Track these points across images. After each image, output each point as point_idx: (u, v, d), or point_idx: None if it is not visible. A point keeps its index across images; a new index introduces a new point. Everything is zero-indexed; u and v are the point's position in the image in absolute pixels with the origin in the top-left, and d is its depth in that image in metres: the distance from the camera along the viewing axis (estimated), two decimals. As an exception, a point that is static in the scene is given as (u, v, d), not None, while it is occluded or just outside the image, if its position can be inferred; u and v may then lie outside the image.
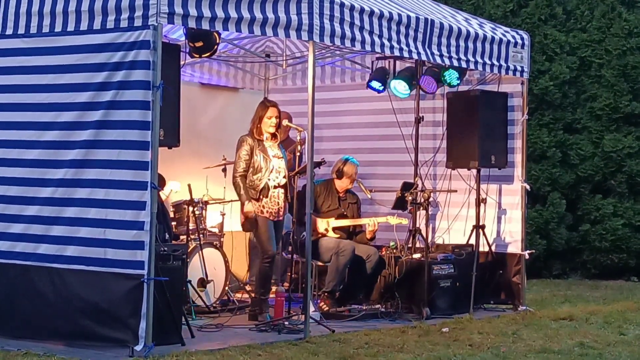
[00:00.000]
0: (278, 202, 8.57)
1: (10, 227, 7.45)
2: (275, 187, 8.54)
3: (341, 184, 9.60)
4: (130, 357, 6.74)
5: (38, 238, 7.29)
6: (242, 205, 8.48)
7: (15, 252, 7.40)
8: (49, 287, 7.23)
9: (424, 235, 9.57)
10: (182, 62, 7.70)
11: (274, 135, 8.65)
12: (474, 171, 9.88)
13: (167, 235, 8.54)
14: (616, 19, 13.48)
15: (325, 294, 9.19)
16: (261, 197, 8.48)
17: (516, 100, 10.01)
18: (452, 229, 10.15)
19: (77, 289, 7.11)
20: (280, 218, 8.64)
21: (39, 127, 7.36)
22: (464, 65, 9.28)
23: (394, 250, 9.45)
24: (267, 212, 8.52)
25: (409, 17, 8.65)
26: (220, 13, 7.16)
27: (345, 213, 9.56)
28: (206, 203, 9.42)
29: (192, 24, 7.09)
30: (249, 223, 8.54)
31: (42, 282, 7.26)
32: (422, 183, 9.86)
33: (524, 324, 8.99)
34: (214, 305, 9.06)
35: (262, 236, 8.49)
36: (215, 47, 8.39)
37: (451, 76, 9.69)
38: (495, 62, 9.55)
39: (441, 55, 8.99)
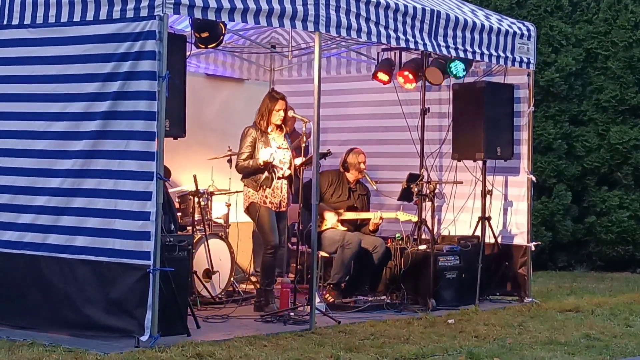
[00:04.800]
0: (281, 194, 8.57)
1: (19, 217, 7.46)
2: (279, 178, 8.54)
3: (350, 176, 9.59)
4: (135, 348, 6.75)
5: (47, 228, 7.30)
6: (257, 168, 8.41)
7: (24, 242, 7.41)
8: (58, 278, 7.24)
9: (430, 226, 9.56)
10: (187, 53, 7.69)
11: (279, 127, 8.65)
12: (480, 163, 9.86)
13: (172, 226, 8.55)
14: (622, 10, 13.44)
15: (331, 285, 9.18)
16: (264, 187, 8.48)
17: (522, 92, 9.99)
18: (458, 220, 10.14)
19: (85, 280, 7.12)
20: (283, 209, 8.64)
21: (47, 118, 7.36)
22: (470, 56, 9.26)
23: (400, 242, 9.44)
24: (269, 202, 8.52)
25: (415, 8, 8.63)
26: (226, 3, 7.15)
27: (355, 205, 9.55)
28: (211, 194, 9.42)
29: (198, 14, 7.08)
30: (252, 211, 8.53)
31: (51, 273, 7.26)
32: (428, 174, 9.84)
33: (530, 315, 8.98)
34: (220, 296, 9.06)
35: (265, 226, 8.49)
36: (221, 37, 8.37)
37: (457, 68, 9.68)
38: (501, 54, 9.52)
39: (447, 47, 8.97)
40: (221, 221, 9.73)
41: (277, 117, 8.57)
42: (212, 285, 8.99)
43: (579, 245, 13.63)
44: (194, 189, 9.08)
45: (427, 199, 9.47)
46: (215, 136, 10.24)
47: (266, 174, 8.47)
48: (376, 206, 9.93)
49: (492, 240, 9.86)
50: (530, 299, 9.87)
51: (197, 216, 9.14)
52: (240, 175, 8.71)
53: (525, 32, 9.80)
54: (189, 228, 9.13)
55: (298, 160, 8.66)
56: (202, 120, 10.22)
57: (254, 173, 8.49)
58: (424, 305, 9.10)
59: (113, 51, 7.03)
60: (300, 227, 8.73)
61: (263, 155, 8.41)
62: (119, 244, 6.98)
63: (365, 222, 9.53)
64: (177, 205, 9.25)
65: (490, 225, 9.82)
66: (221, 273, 9.10)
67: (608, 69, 13.39)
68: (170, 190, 8.99)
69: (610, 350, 7.36)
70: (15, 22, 7.53)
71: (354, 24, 8.07)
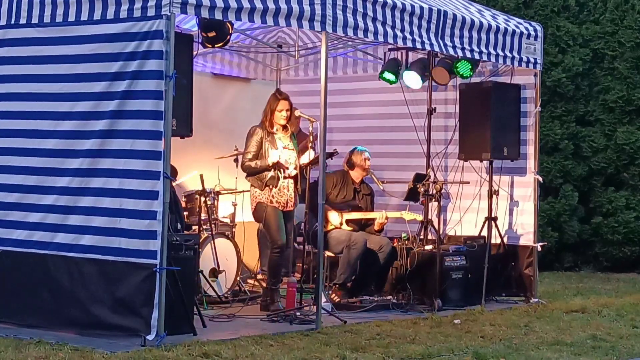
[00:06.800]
0: (287, 193, 8.58)
1: (27, 216, 7.48)
2: (284, 177, 8.55)
3: (355, 174, 9.59)
4: (142, 347, 6.75)
5: (55, 227, 7.31)
6: (265, 168, 8.42)
7: (33, 241, 7.43)
8: (65, 277, 7.25)
9: (436, 226, 9.56)
10: (194, 52, 7.70)
11: (284, 127, 8.65)
12: (486, 163, 9.85)
13: (179, 225, 8.57)
14: (629, 11, 13.42)
15: (337, 285, 9.18)
16: (270, 187, 8.49)
17: (529, 92, 9.98)
18: (464, 220, 10.13)
19: (92, 279, 7.14)
20: (290, 208, 8.65)
21: (55, 117, 7.38)
22: (476, 56, 9.25)
23: (406, 242, 9.44)
24: (276, 202, 8.53)
25: (421, 8, 8.63)
26: (233, 3, 7.16)
27: (359, 205, 9.54)
28: (218, 193, 9.43)
29: (204, 13, 7.09)
30: (259, 213, 8.54)
31: (58, 272, 7.28)
32: (434, 175, 9.83)
33: (536, 316, 8.98)
34: (226, 295, 9.07)
35: (271, 226, 8.50)
36: (228, 37, 8.38)
37: (464, 68, 9.66)
38: (508, 54, 9.52)
39: (454, 47, 8.96)
40: (227, 220, 9.74)
41: (279, 118, 8.57)
42: (218, 285, 8.99)
43: (585, 246, 13.61)
44: (196, 187, 9.10)
45: (434, 199, 9.47)
46: (222, 136, 10.26)
47: (271, 173, 8.48)
48: (382, 206, 9.93)
49: (498, 241, 9.86)
50: (536, 300, 9.86)
51: (203, 215, 9.15)
52: (246, 175, 8.72)
53: (532, 32, 9.79)
54: (196, 227, 9.15)
55: (305, 159, 8.66)
56: (209, 119, 10.23)
57: (260, 173, 8.50)
58: (430, 305, 9.10)
59: (120, 50, 7.05)
60: (306, 228, 8.74)
61: (272, 157, 8.41)
62: (126, 243, 6.99)
63: (371, 222, 9.53)
64: (183, 205, 9.27)
65: (496, 226, 9.82)
66: (227, 272, 9.11)
67: (615, 70, 13.37)
68: (176, 183, 9.01)
69: (617, 351, 7.35)
70: (22, 21, 7.55)
71: (361, 24, 8.07)
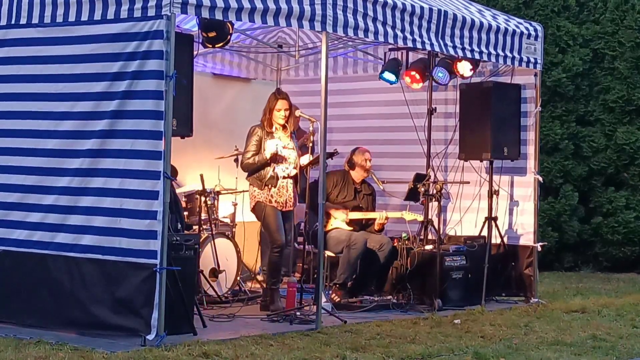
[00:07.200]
0: (286, 193, 8.58)
1: (28, 216, 7.48)
2: (284, 177, 8.55)
3: (356, 174, 9.59)
4: (142, 347, 6.76)
5: (55, 227, 7.32)
6: (264, 162, 8.41)
7: (33, 241, 7.43)
8: (66, 276, 7.26)
9: (436, 226, 9.56)
10: (195, 52, 7.70)
11: (284, 127, 8.65)
12: (486, 163, 9.86)
13: (179, 225, 8.56)
14: (629, 11, 13.42)
15: (337, 285, 9.19)
16: (269, 187, 8.49)
17: (529, 92, 9.99)
18: (464, 220, 10.13)
19: (92, 278, 7.14)
20: (289, 208, 8.65)
21: (56, 117, 7.39)
22: (477, 56, 9.26)
23: (406, 242, 9.45)
24: (275, 202, 8.53)
25: (422, 8, 8.63)
26: (233, 3, 7.16)
27: (360, 205, 9.54)
28: (218, 193, 9.44)
29: (205, 14, 7.09)
30: (258, 210, 8.54)
31: (58, 271, 7.29)
32: (435, 175, 9.84)
33: (536, 316, 8.98)
34: (226, 295, 9.07)
35: (271, 226, 8.50)
36: (228, 37, 8.36)
37: (464, 68, 9.67)
38: (509, 54, 9.52)
39: (454, 47, 8.97)
40: (227, 220, 9.75)
41: (278, 117, 8.57)
42: (218, 285, 9.00)
43: (585, 246, 13.61)
44: (200, 187, 9.11)
45: (434, 199, 9.47)
46: (222, 136, 10.26)
47: (271, 172, 8.48)
48: (382, 206, 9.93)
49: (499, 241, 9.86)
50: (536, 300, 9.86)
51: (203, 215, 9.16)
52: (246, 175, 8.73)
53: (532, 32, 9.80)
54: (196, 227, 9.15)
55: (305, 160, 8.67)
56: (209, 119, 10.24)
57: (260, 169, 8.49)
58: (430, 305, 9.10)
59: (120, 50, 7.05)
60: (307, 228, 8.74)
61: (269, 147, 8.42)
62: (126, 243, 7.00)
63: (371, 221, 9.53)
64: (183, 205, 9.27)
65: (496, 226, 9.82)
66: (227, 272, 9.12)
67: (615, 69, 13.37)
68: (177, 191, 9.01)
69: (617, 351, 7.35)
70: (23, 21, 7.55)
71: (361, 24, 8.08)
